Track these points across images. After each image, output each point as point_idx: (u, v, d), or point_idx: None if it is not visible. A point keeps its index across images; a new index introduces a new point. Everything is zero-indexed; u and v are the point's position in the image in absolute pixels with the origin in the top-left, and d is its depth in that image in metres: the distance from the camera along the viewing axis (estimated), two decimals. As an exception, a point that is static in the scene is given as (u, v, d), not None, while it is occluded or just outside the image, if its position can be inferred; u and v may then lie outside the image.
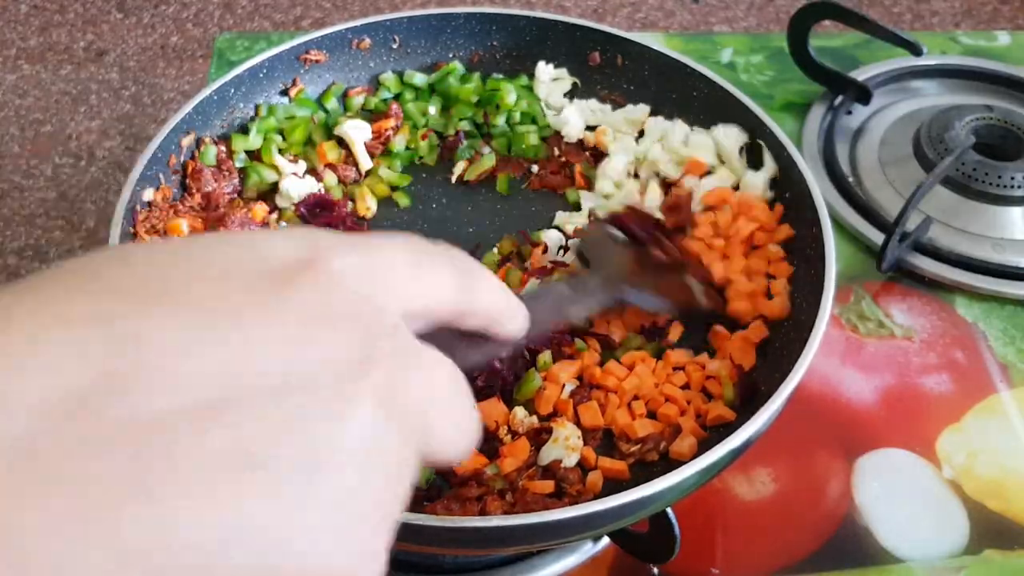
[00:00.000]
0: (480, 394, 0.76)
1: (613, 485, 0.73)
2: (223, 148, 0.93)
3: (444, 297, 0.37)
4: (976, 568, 0.82)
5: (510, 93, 1.00)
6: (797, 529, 0.84)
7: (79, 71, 2.20)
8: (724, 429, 0.75)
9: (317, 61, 1.00)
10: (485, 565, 0.80)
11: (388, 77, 1.03)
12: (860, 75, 1.23)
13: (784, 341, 0.80)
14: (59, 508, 0.23)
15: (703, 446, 0.74)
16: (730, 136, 0.93)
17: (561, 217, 0.93)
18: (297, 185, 0.91)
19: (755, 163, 0.92)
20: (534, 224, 0.93)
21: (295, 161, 0.95)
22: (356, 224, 0.91)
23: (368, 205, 0.93)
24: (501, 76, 1.04)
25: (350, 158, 0.97)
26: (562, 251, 0.89)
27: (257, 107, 0.97)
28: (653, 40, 1.01)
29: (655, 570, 0.81)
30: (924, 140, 1.13)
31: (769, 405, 0.67)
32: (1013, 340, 0.99)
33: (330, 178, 0.95)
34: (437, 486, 0.74)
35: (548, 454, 0.73)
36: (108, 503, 0.24)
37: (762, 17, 2.44)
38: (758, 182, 0.89)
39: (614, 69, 1.03)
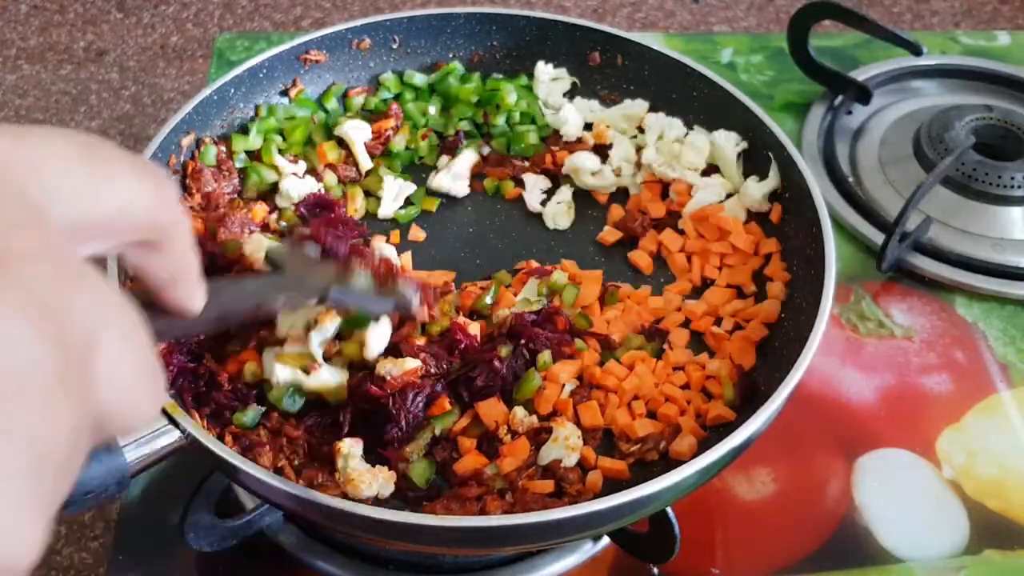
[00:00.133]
0: (480, 394, 0.76)
1: (613, 485, 0.73)
2: (223, 148, 0.93)
3: (129, 205, 0.31)
4: (976, 568, 0.82)
5: (510, 93, 1.00)
6: (797, 529, 0.84)
7: (79, 71, 2.20)
8: (724, 429, 0.75)
9: (317, 61, 1.00)
10: (485, 565, 0.80)
11: (388, 77, 1.03)
12: (860, 75, 1.23)
13: (784, 341, 0.80)
14: None
15: (703, 446, 0.74)
16: (729, 141, 0.93)
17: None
18: (297, 185, 0.91)
19: (753, 169, 0.92)
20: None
21: (295, 161, 0.95)
22: (358, 225, 0.91)
23: (357, 207, 0.93)
24: (501, 76, 1.04)
25: (350, 158, 0.97)
26: None
27: (257, 107, 0.97)
28: (653, 40, 1.01)
29: (655, 570, 0.81)
30: (924, 140, 1.13)
31: (769, 405, 0.67)
32: (1013, 340, 0.99)
33: (330, 178, 0.95)
34: (437, 486, 0.74)
35: (548, 454, 0.73)
36: None
37: (762, 17, 2.44)
38: (757, 193, 0.89)
39: (614, 69, 1.03)
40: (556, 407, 0.77)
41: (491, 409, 0.75)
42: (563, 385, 0.78)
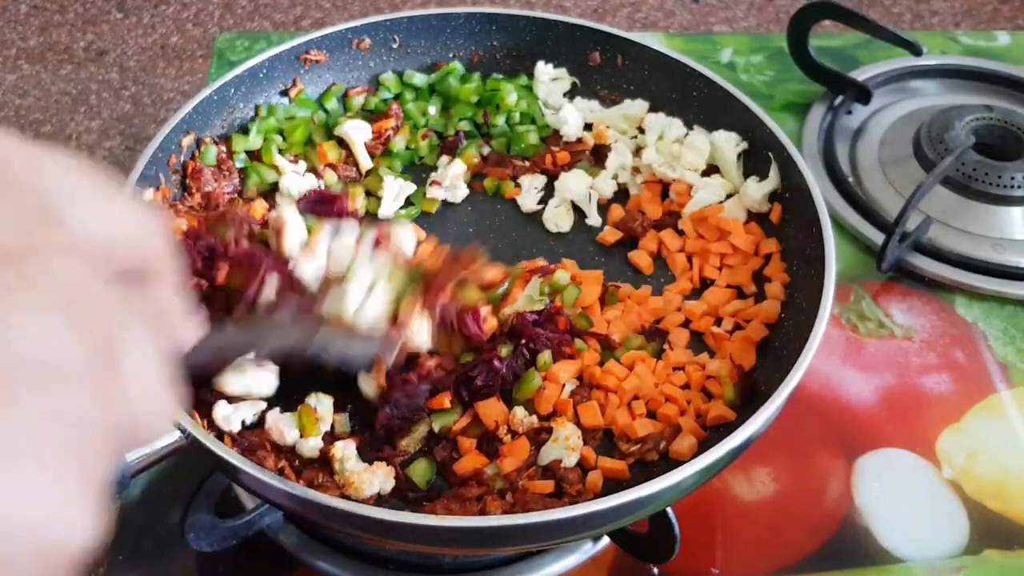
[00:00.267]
0: (480, 394, 0.76)
1: (613, 485, 0.73)
2: (223, 148, 0.93)
3: (128, 233, 0.31)
4: (976, 568, 0.82)
5: (510, 93, 1.00)
6: (797, 529, 0.84)
7: (79, 71, 2.20)
8: (724, 429, 0.75)
9: (317, 61, 1.00)
10: (485, 565, 0.80)
11: (388, 77, 1.03)
12: (860, 75, 1.23)
13: (784, 341, 0.80)
14: None
15: (703, 446, 0.74)
16: (729, 141, 0.92)
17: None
18: (297, 182, 0.91)
19: (753, 169, 0.92)
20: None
21: (295, 161, 0.95)
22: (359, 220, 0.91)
23: (357, 206, 0.93)
24: (501, 76, 1.04)
25: (350, 158, 0.97)
26: None
27: (257, 107, 0.97)
28: (653, 40, 1.01)
29: (655, 570, 0.81)
30: (924, 140, 1.13)
31: (769, 405, 0.67)
32: (1013, 340, 0.99)
33: (330, 177, 0.95)
34: (437, 486, 0.74)
35: (548, 454, 0.73)
36: None
37: (762, 17, 2.44)
38: (757, 194, 0.89)
39: (614, 69, 1.03)
40: (556, 407, 0.77)
41: (491, 409, 0.75)
42: (563, 385, 0.78)
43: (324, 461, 0.73)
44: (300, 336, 0.66)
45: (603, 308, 0.85)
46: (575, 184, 0.94)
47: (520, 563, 0.80)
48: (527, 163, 0.98)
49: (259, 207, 0.89)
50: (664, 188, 0.95)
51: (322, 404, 0.75)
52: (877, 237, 1.04)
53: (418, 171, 0.99)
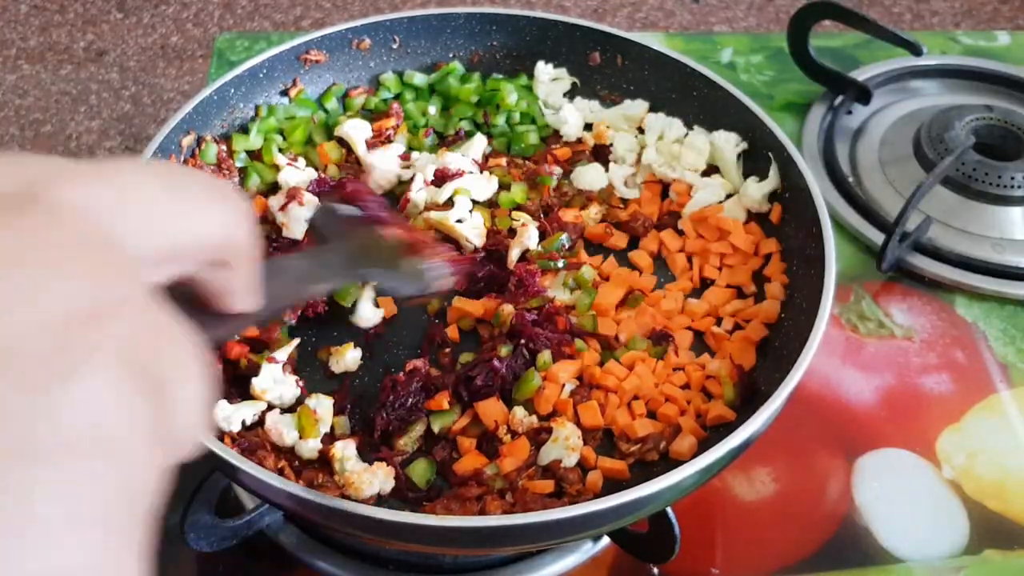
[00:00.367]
0: (479, 394, 0.76)
1: (613, 485, 0.73)
2: (223, 147, 0.93)
3: (206, 233, 0.32)
4: (976, 568, 0.82)
5: (510, 93, 1.00)
6: (797, 529, 0.84)
7: (79, 71, 2.20)
8: (724, 429, 0.75)
9: (317, 61, 1.00)
10: (485, 565, 0.80)
11: (388, 77, 1.03)
12: (860, 75, 1.23)
13: (784, 341, 0.80)
14: None
15: (703, 446, 0.74)
16: (729, 142, 0.92)
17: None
18: (296, 175, 0.91)
19: (753, 169, 0.92)
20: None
21: (295, 160, 0.95)
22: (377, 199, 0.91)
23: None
24: (501, 76, 1.04)
25: (351, 156, 0.97)
26: None
27: (257, 107, 0.97)
28: (653, 40, 1.01)
29: (655, 570, 0.81)
30: (924, 140, 1.13)
31: (769, 405, 0.67)
32: (1013, 340, 0.99)
33: (332, 174, 0.95)
34: (437, 486, 0.74)
35: (548, 454, 0.73)
36: None
37: (762, 17, 2.44)
38: (757, 194, 0.89)
39: (614, 69, 1.03)
40: (556, 407, 0.77)
41: (491, 409, 0.75)
42: (563, 385, 0.78)
43: (324, 461, 0.73)
44: (357, 258, 0.66)
45: (619, 308, 0.85)
46: (592, 177, 0.94)
47: (520, 563, 0.80)
48: (527, 162, 0.98)
49: (259, 202, 0.89)
50: (664, 188, 0.95)
51: (322, 405, 0.75)
52: (877, 237, 1.04)
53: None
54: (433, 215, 0.87)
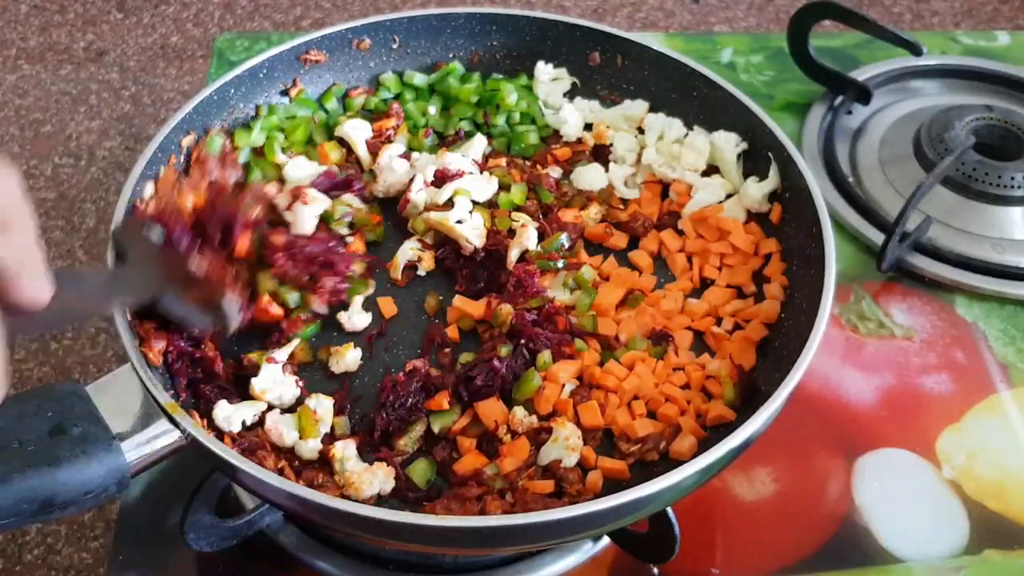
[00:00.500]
0: (479, 394, 0.76)
1: (613, 485, 0.73)
2: (227, 142, 0.93)
3: None
4: (976, 568, 0.82)
5: (510, 93, 1.00)
6: (797, 529, 0.84)
7: (79, 71, 2.20)
8: (724, 429, 0.75)
9: (317, 61, 1.00)
10: (485, 565, 0.80)
11: (388, 77, 1.03)
12: (860, 75, 1.23)
13: (784, 341, 0.80)
14: None
15: (703, 446, 0.74)
16: (729, 142, 0.92)
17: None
18: (301, 169, 0.91)
19: (753, 169, 0.92)
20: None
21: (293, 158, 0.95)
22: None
23: (356, 249, 0.93)
24: (501, 76, 1.04)
25: (351, 156, 0.97)
26: None
27: (258, 107, 0.97)
28: (653, 40, 1.01)
29: (655, 570, 0.81)
30: (924, 140, 1.13)
31: (769, 405, 0.67)
32: (1013, 340, 0.99)
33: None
34: (437, 486, 0.74)
35: (548, 454, 0.73)
36: None
37: (762, 17, 2.44)
38: (757, 194, 0.89)
39: (614, 69, 1.03)
40: (556, 407, 0.77)
41: (491, 409, 0.75)
42: (563, 385, 0.78)
43: (324, 461, 0.73)
44: (150, 293, 0.68)
45: (619, 308, 0.85)
46: (592, 177, 0.94)
47: (520, 563, 0.80)
48: (528, 162, 0.98)
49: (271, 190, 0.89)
50: (664, 188, 0.95)
51: (322, 406, 0.75)
52: (877, 237, 1.04)
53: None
54: (433, 215, 0.87)
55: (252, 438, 0.73)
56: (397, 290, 0.87)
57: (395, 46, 1.04)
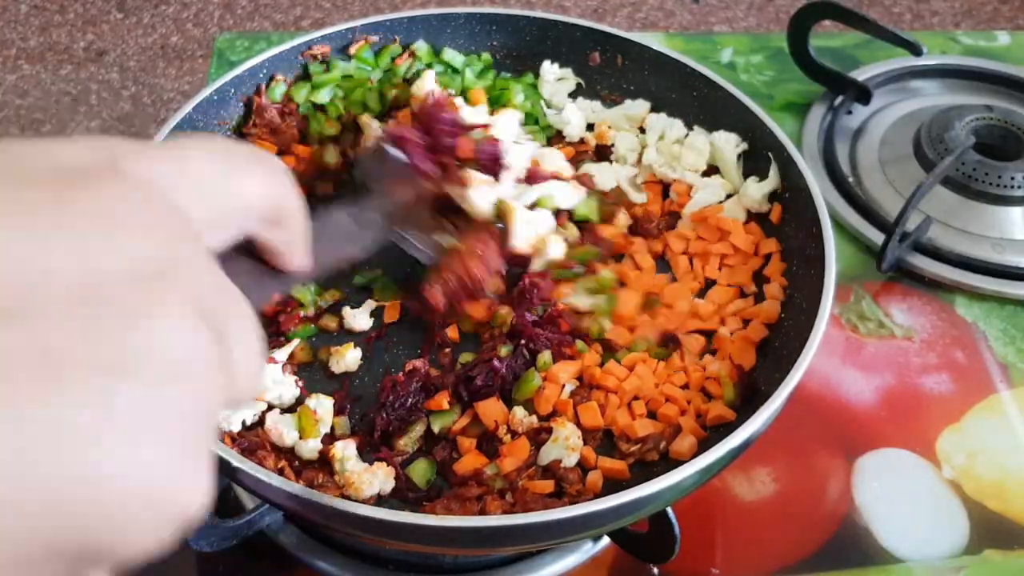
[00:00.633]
0: (479, 394, 0.76)
1: (613, 485, 0.73)
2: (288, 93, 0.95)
3: (254, 202, 0.38)
4: (976, 568, 0.82)
5: (518, 93, 1.00)
6: (797, 529, 0.84)
7: (79, 71, 2.20)
8: (724, 429, 0.75)
9: (324, 54, 1.00)
10: (485, 565, 0.80)
11: (421, 46, 1.03)
12: (860, 75, 1.23)
13: (784, 341, 0.80)
14: None
15: (703, 446, 0.74)
16: (729, 143, 0.92)
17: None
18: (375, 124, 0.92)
19: (753, 169, 0.92)
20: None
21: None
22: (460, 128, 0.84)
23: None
24: (508, 76, 1.04)
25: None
26: None
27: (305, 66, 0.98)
28: (653, 40, 1.01)
29: (655, 570, 0.81)
30: (924, 140, 1.13)
31: (769, 405, 0.67)
32: (1013, 340, 0.99)
33: None
34: (437, 486, 0.74)
35: (548, 454, 0.73)
36: None
37: (762, 17, 2.44)
38: (757, 194, 0.89)
39: (614, 69, 1.03)
40: (556, 407, 0.77)
41: (491, 409, 0.75)
42: (563, 385, 0.78)
43: (324, 461, 0.73)
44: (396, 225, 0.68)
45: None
46: (604, 177, 0.94)
47: (520, 563, 0.80)
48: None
49: (331, 152, 0.89)
50: (664, 188, 0.95)
51: (322, 406, 0.75)
52: (877, 237, 1.04)
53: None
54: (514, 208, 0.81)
55: (252, 438, 0.73)
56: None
57: (395, 46, 1.04)
